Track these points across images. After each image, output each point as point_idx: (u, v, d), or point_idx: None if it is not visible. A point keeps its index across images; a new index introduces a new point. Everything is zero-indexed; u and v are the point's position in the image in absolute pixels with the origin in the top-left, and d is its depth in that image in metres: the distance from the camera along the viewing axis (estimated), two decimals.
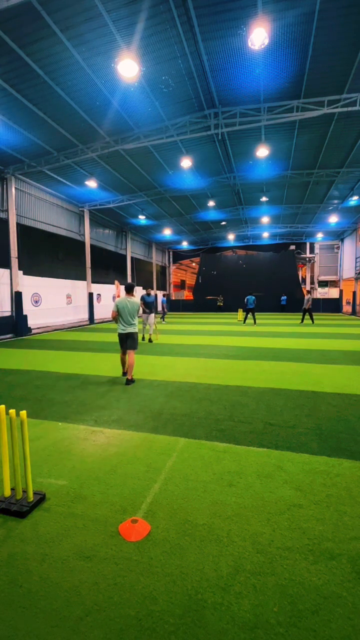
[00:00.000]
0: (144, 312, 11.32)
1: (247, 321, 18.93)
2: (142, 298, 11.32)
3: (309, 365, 7.33)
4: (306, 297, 17.88)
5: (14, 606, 1.71)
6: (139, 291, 28.87)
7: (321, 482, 2.79)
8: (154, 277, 32.50)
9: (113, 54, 8.14)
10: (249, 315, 18.34)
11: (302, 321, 18.40)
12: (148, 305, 11.37)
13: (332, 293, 33.64)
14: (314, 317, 19.23)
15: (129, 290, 6.15)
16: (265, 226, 28.15)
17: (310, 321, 18.33)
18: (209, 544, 2.11)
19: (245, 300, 17.41)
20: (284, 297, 29.33)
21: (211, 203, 20.94)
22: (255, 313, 18.22)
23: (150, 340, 11.45)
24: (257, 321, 18.26)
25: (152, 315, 11.59)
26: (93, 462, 3.16)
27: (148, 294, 11.63)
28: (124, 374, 6.46)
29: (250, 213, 24.13)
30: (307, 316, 18.71)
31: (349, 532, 2.21)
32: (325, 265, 34.10)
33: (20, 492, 2.50)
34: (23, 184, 15.57)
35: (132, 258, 27.12)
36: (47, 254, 17.42)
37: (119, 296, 6.31)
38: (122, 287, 6.29)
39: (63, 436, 3.76)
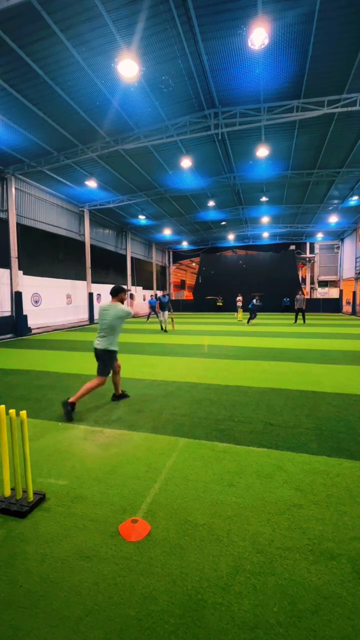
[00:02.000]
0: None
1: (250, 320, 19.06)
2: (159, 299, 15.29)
3: (309, 365, 7.33)
4: (300, 296, 17.76)
5: (14, 606, 1.71)
6: (139, 291, 28.90)
7: (321, 482, 2.78)
8: (154, 277, 32.49)
9: (113, 54, 8.14)
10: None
11: (296, 321, 18.48)
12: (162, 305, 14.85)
13: (332, 293, 33.64)
14: (306, 317, 19.34)
15: (114, 294, 4.65)
16: (265, 226, 28.16)
17: (302, 321, 18.40)
18: (209, 544, 2.11)
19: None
20: (287, 299, 29.69)
21: (211, 203, 20.93)
22: (257, 313, 19.09)
23: (164, 330, 14.62)
24: (251, 321, 18.86)
25: (165, 312, 14.79)
26: (93, 462, 3.16)
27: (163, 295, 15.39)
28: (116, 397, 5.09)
29: (250, 213, 24.13)
30: (299, 316, 18.76)
31: (349, 532, 2.21)
32: (325, 265, 34.11)
33: (20, 492, 2.50)
34: (23, 184, 15.57)
35: (132, 258, 27.11)
36: (47, 254, 17.42)
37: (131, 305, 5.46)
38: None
39: (63, 436, 3.76)
